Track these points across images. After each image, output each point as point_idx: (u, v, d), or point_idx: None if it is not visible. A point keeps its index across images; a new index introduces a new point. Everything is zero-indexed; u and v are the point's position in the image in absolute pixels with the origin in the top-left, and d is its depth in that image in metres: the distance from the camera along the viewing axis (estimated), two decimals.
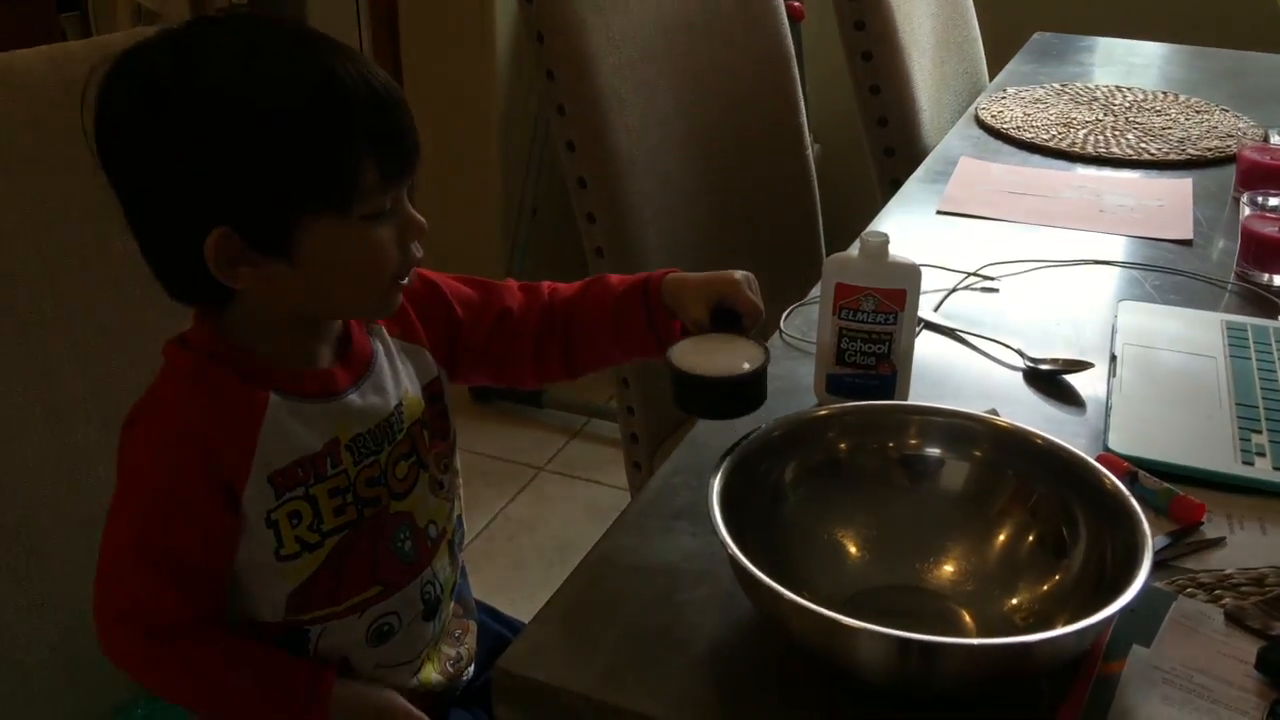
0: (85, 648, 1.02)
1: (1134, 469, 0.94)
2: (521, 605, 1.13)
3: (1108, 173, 1.66)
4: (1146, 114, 1.86)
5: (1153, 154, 1.69)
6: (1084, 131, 1.77)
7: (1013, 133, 1.77)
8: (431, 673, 0.97)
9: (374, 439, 0.90)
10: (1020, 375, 1.12)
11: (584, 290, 1.00)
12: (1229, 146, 1.70)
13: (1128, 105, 1.90)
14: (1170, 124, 1.81)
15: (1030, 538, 0.85)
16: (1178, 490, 0.92)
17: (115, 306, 1.04)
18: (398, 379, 0.92)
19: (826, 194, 1.87)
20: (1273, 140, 1.73)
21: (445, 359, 0.97)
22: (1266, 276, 1.31)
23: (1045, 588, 0.82)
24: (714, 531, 0.76)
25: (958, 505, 0.88)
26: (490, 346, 0.99)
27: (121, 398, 1.04)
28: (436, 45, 2.71)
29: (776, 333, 1.19)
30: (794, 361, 1.14)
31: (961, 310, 1.24)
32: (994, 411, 0.97)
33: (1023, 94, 1.95)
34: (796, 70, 1.80)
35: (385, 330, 0.93)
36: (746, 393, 0.91)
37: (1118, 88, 1.98)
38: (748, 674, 0.77)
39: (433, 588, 0.95)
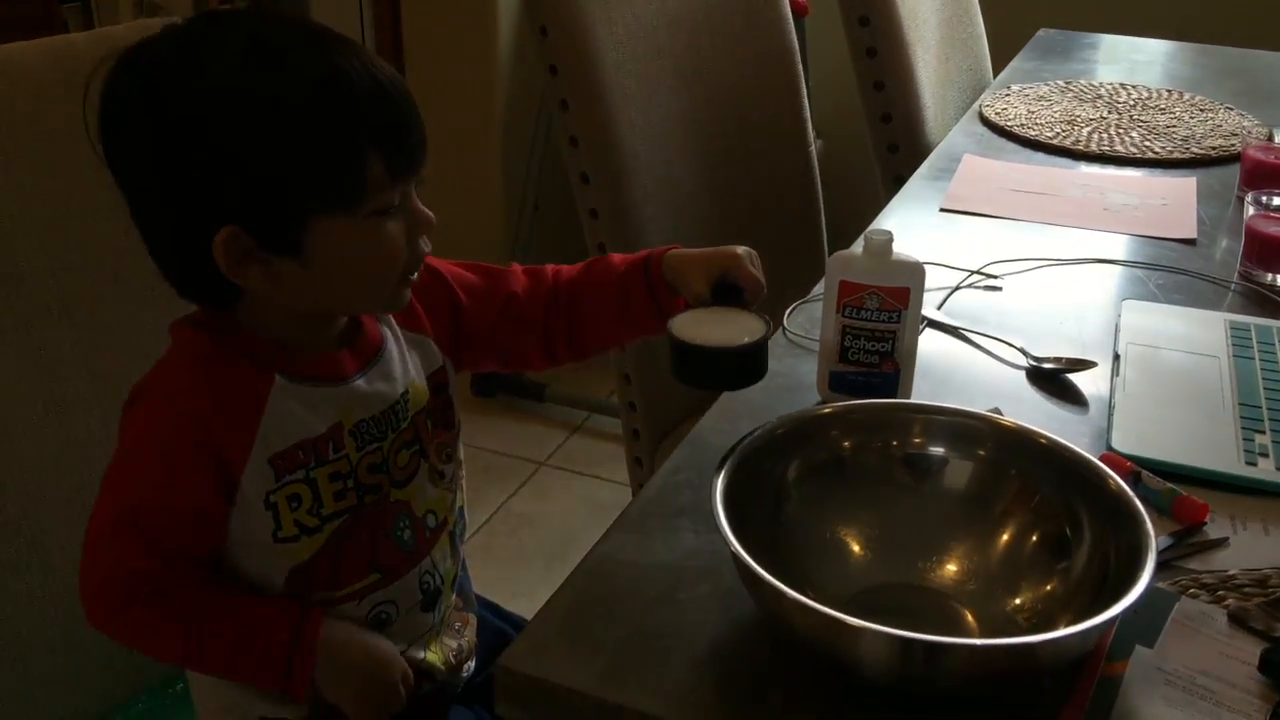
0: (87, 642, 1.03)
1: (1137, 469, 0.94)
2: (522, 600, 1.13)
3: (1111, 171, 1.65)
4: (1151, 112, 1.86)
5: (1157, 152, 1.69)
6: (1088, 129, 1.77)
7: (1017, 130, 1.76)
8: (435, 660, 0.97)
9: (378, 426, 0.90)
10: (1023, 374, 1.12)
11: (587, 270, 1.00)
12: (1233, 145, 1.70)
13: (1132, 103, 1.89)
14: (1174, 122, 1.81)
15: (1033, 537, 0.85)
16: (1180, 490, 0.92)
17: (117, 301, 1.04)
18: (405, 367, 0.92)
19: (829, 190, 1.87)
20: (1277, 139, 1.73)
21: (449, 347, 0.97)
22: (1270, 276, 1.30)
23: (1048, 588, 0.82)
24: (716, 529, 0.76)
25: (961, 504, 0.88)
26: (497, 333, 0.99)
27: (124, 393, 1.03)
28: (439, 39, 2.71)
29: (780, 330, 1.19)
30: (797, 359, 1.14)
31: (964, 308, 1.24)
32: (997, 410, 0.97)
33: (1027, 91, 1.94)
34: (800, 65, 1.80)
35: (392, 318, 0.93)
36: (746, 364, 0.91)
37: (1122, 85, 1.98)
38: (750, 673, 0.77)
39: (432, 578, 0.95)
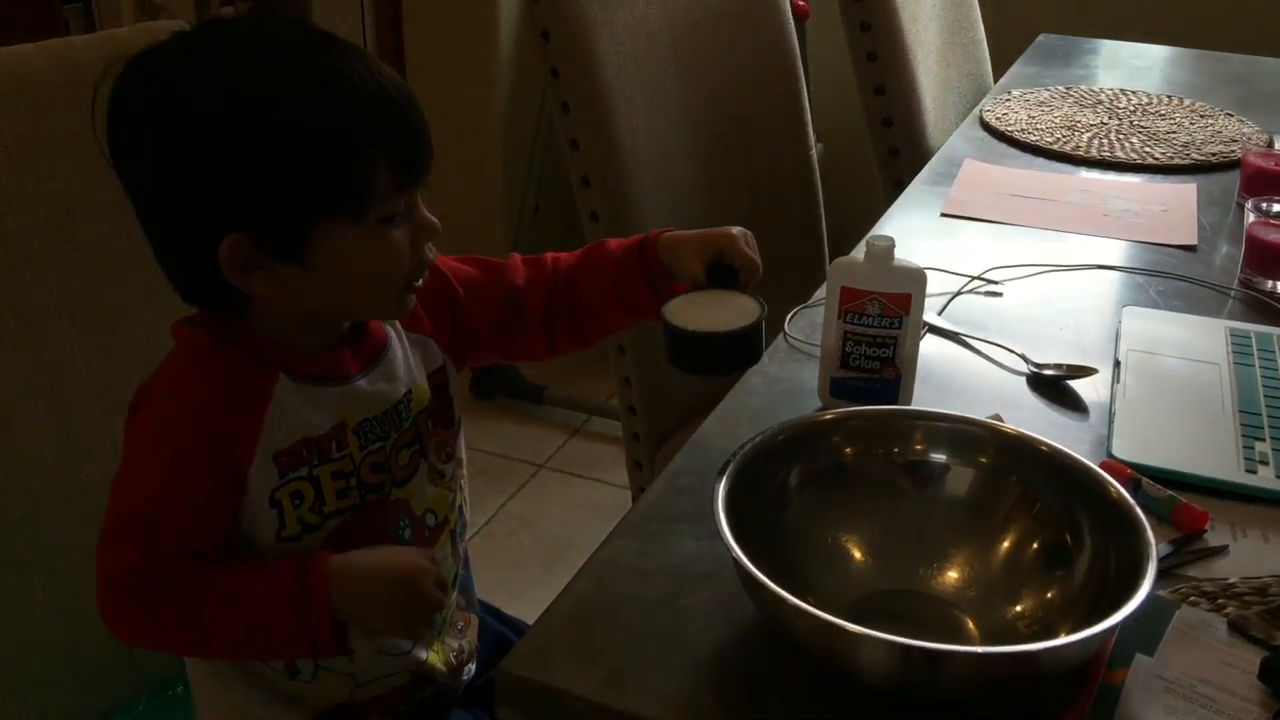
0: (88, 643, 1.03)
1: (1137, 476, 0.94)
2: (521, 603, 1.13)
3: (1112, 176, 1.66)
4: (1151, 118, 1.86)
5: (1157, 158, 1.69)
6: (1088, 135, 1.77)
7: (1017, 135, 1.77)
8: (436, 661, 0.97)
9: (381, 425, 0.90)
10: (1024, 380, 1.12)
11: (584, 257, 1.01)
12: (1233, 152, 1.70)
13: (1132, 109, 1.90)
14: (1175, 128, 1.81)
15: (1034, 545, 0.85)
16: (1180, 498, 0.92)
17: (119, 301, 1.04)
18: (409, 367, 0.93)
19: (829, 194, 1.87)
20: (1278, 146, 1.73)
21: (449, 344, 0.97)
22: (1270, 283, 1.31)
23: (1049, 595, 0.82)
24: (718, 535, 0.76)
25: (962, 511, 0.88)
26: (499, 326, 0.99)
27: (125, 393, 1.03)
28: (440, 43, 2.71)
29: (781, 335, 1.19)
30: (798, 364, 1.14)
31: (965, 314, 1.24)
32: (998, 417, 0.97)
33: (1027, 96, 1.95)
34: (801, 69, 1.80)
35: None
36: (739, 348, 0.91)
37: (1122, 91, 1.98)
38: (751, 678, 0.77)
39: None
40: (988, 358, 1.16)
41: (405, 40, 2.74)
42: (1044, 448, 0.87)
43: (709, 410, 1.07)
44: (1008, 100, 1.92)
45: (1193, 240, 1.44)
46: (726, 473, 0.81)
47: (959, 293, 1.29)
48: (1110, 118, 1.85)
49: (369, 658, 0.92)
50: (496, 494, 2.37)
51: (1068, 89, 1.99)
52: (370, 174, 0.79)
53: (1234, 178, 1.60)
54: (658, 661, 0.77)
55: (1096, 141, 1.75)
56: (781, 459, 0.87)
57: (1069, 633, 0.73)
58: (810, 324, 1.19)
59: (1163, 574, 0.84)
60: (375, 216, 0.81)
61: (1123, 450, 0.99)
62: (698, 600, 0.83)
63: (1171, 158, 1.69)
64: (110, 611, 0.84)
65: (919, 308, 1.02)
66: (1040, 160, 1.70)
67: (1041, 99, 1.93)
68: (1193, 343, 1.18)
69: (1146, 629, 0.78)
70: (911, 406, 1.04)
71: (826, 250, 1.85)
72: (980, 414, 0.94)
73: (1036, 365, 1.13)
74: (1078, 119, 1.84)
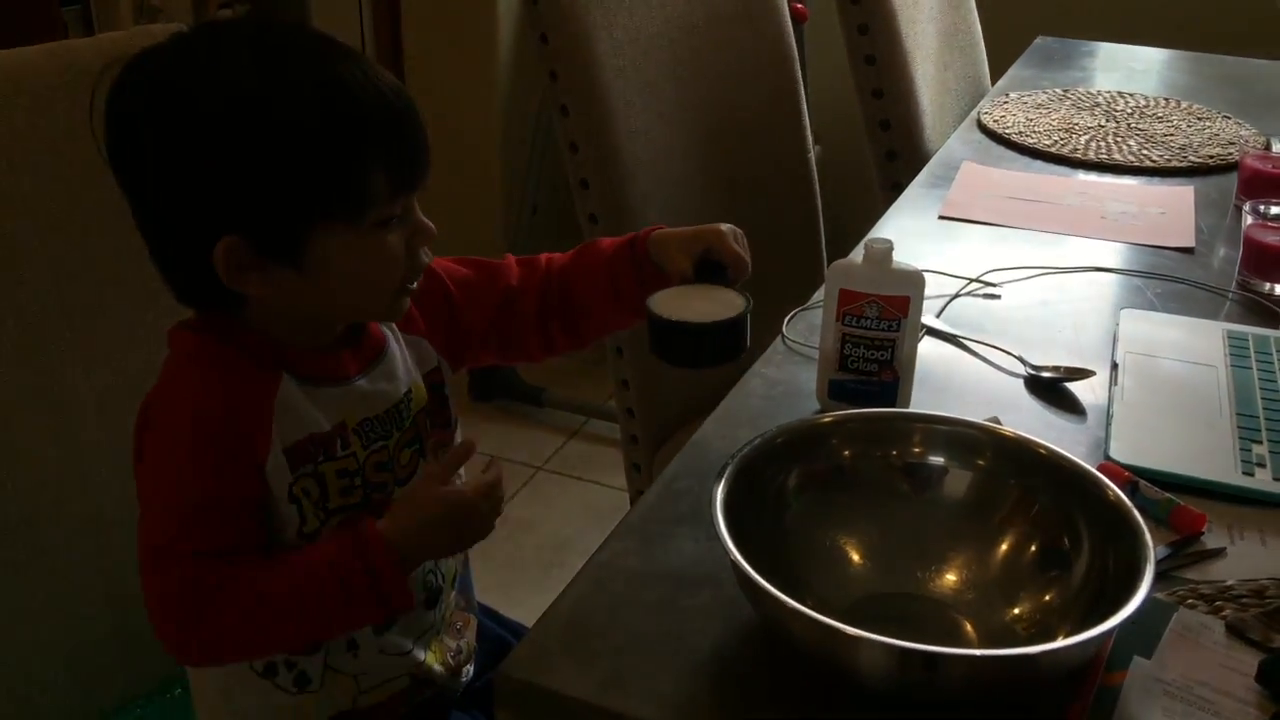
0: (86, 647, 1.03)
1: (1135, 478, 0.94)
2: (519, 606, 1.13)
3: (1109, 179, 1.66)
4: (1148, 120, 1.86)
5: (1154, 161, 1.69)
6: (1085, 137, 1.77)
7: (1014, 138, 1.77)
8: (434, 661, 0.97)
9: (382, 425, 0.90)
10: (1022, 382, 1.12)
11: (577, 256, 1.01)
12: (1231, 154, 1.70)
13: (1129, 111, 1.90)
14: (1172, 131, 1.81)
15: (1032, 547, 0.85)
16: (1178, 500, 0.92)
17: (119, 304, 1.04)
18: (408, 367, 0.93)
19: (827, 196, 1.88)
20: (1275, 148, 1.73)
21: (443, 345, 0.97)
22: (1268, 285, 1.31)
23: (1047, 598, 0.82)
24: (716, 537, 0.76)
25: (960, 514, 0.88)
26: (494, 326, 0.99)
27: (125, 395, 1.04)
28: (439, 44, 2.71)
29: (779, 337, 1.20)
30: (796, 366, 1.14)
31: (963, 316, 1.25)
32: (996, 419, 0.97)
33: (1025, 99, 1.95)
34: (799, 72, 1.80)
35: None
36: (722, 341, 0.91)
37: (1119, 93, 1.98)
38: (750, 680, 0.77)
39: (434, 576, 0.95)
40: (986, 360, 1.16)
41: (404, 43, 2.74)
42: (1042, 450, 0.87)
43: (707, 413, 1.07)
44: (1005, 103, 1.93)
45: (1190, 243, 1.44)
46: (725, 475, 0.81)
47: (957, 295, 1.29)
48: (1108, 120, 1.86)
49: (372, 658, 0.92)
50: None
51: (1065, 91, 1.99)
52: (367, 178, 0.79)
53: (1231, 180, 1.60)
54: (656, 664, 0.77)
55: (1094, 144, 1.75)
56: (780, 461, 0.87)
57: (1067, 635, 0.73)
58: (809, 326, 1.20)
59: (1160, 576, 0.84)
60: (371, 220, 0.81)
61: (1120, 453, 0.99)
62: (696, 603, 0.83)
63: (1169, 160, 1.70)
64: (172, 635, 0.83)
65: (917, 310, 1.02)
66: (1038, 163, 1.71)
67: (1039, 101, 1.94)
68: (1190, 345, 1.18)
69: (1144, 631, 0.78)
70: (910, 409, 1.04)
71: (825, 252, 1.85)
72: (978, 416, 0.94)
73: (1034, 368, 1.13)
74: (1075, 121, 1.85)
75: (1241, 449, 1.00)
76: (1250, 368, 1.13)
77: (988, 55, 2.30)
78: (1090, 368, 1.11)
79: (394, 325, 0.93)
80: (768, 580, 0.73)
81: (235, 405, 0.83)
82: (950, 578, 0.86)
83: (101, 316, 1.03)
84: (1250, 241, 1.33)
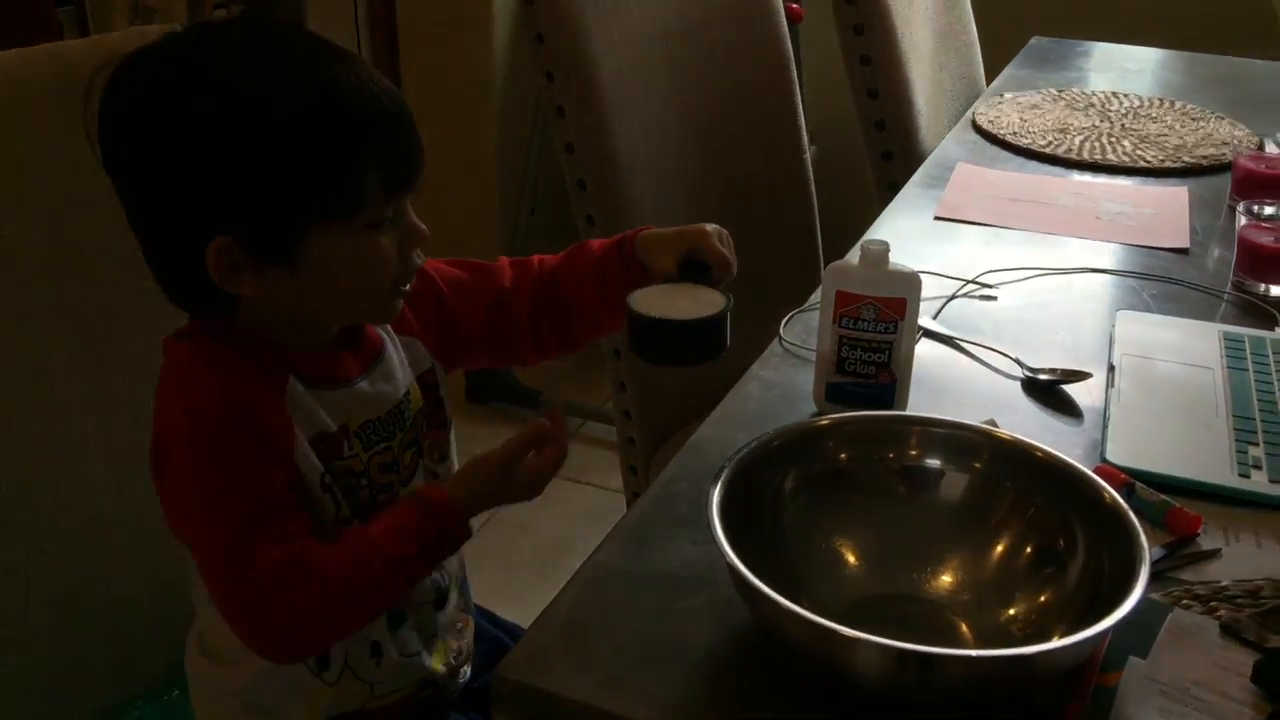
0: (82, 647, 1.03)
1: (1131, 480, 0.94)
2: (515, 607, 1.13)
3: (1104, 180, 1.66)
4: (1143, 120, 1.86)
5: (1149, 161, 1.70)
6: (1080, 138, 1.78)
7: (1009, 138, 1.77)
8: (437, 663, 0.97)
9: (385, 426, 0.90)
10: (1018, 384, 1.12)
11: (567, 258, 1.01)
12: (1224, 155, 1.70)
13: (1124, 111, 1.90)
14: (1166, 131, 1.82)
15: (1028, 549, 0.85)
16: (1174, 502, 0.92)
17: (114, 304, 1.04)
18: (404, 367, 0.93)
19: (823, 197, 1.88)
20: (1269, 149, 1.74)
21: (437, 346, 0.97)
22: (1263, 287, 1.31)
23: (1042, 599, 0.82)
24: (713, 540, 0.76)
25: (956, 516, 0.88)
26: (487, 329, 0.99)
27: (122, 395, 1.04)
28: (434, 45, 2.71)
29: (776, 339, 1.20)
30: (793, 369, 1.14)
31: (959, 318, 1.25)
32: (992, 422, 0.98)
33: (1019, 99, 1.95)
34: (794, 72, 1.80)
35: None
36: (697, 339, 0.91)
37: (1114, 94, 1.99)
38: (746, 682, 0.77)
39: (441, 576, 0.96)
40: (982, 362, 1.17)
41: (400, 43, 2.74)
42: (1038, 453, 0.87)
43: (704, 415, 1.08)
44: (1000, 103, 1.93)
45: (1185, 243, 1.44)
46: (722, 478, 0.82)
47: (953, 297, 1.29)
48: (1102, 121, 1.86)
49: (392, 667, 0.93)
50: None
51: (1060, 92, 2.00)
52: (360, 179, 0.79)
53: (1225, 181, 1.60)
54: (653, 666, 0.77)
55: (1088, 144, 1.75)
56: (777, 464, 0.87)
57: (1063, 636, 0.73)
58: (805, 328, 1.20)
59: (1156, 577, 0.84)
60: (364, 221, 0.81)
61: (1116, 455, 0.99)
62: (693, 605, 0.83)
63: (1163, 161, 1.70)
64: (272, 634, 0.82)
65: (914, 312, 1.02)
66: (1032, 163, 1.71)
67: (1034, 102, 1.94)
68: (1186, 347, 1.18)
69: (1140, 632, 0.79)
70: (906, 411, 1.04)
71: (821, 254, 1.85)
72: (975, 419, 0.94)
73: (1031, 370, 1.13)
74: (1070, 122, 1.85)
75: (1237, 451, 1.00)
76: (1246, 370, 1.13)
77: (983, 55, 2.30)
78: (1086, 370, 1.12)
79: (389, 326, 0.93)
80: (764, 582, 0.73)
81: (252, 398, 0.82)
82: (946, 579, 0.86)
83: (98, 317, 1.03)
84: (1244, 242, 1.33)
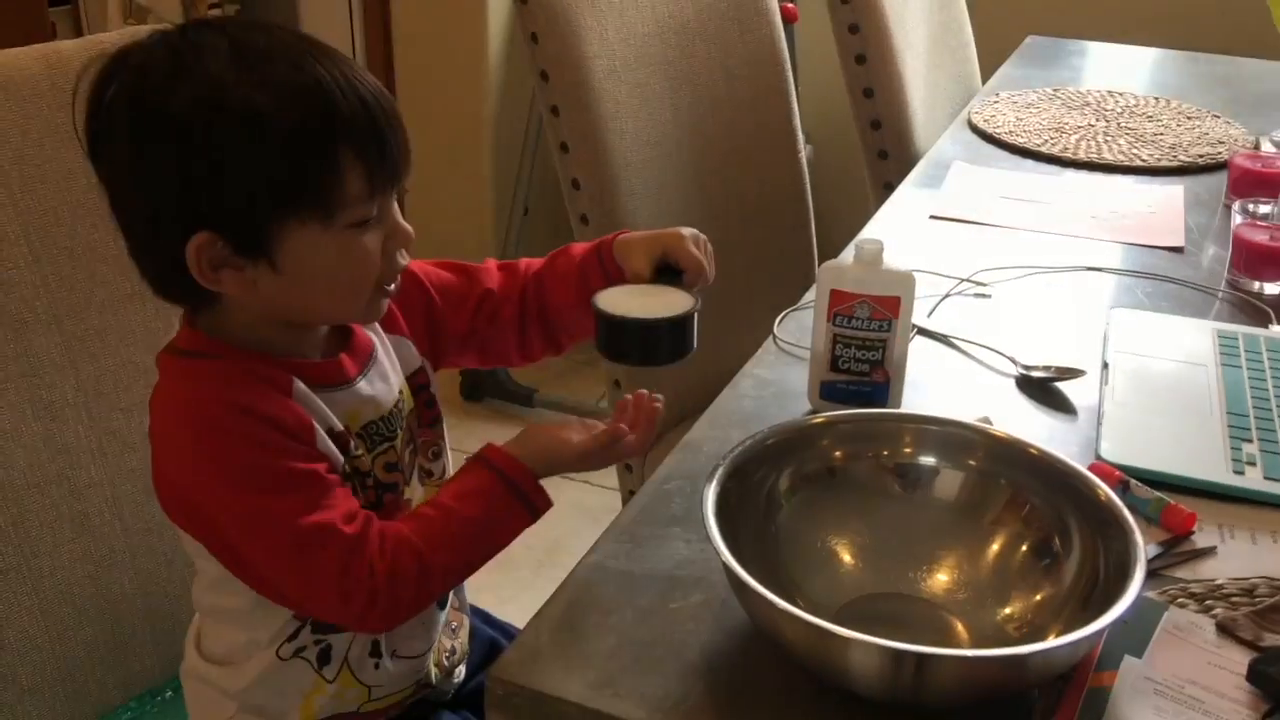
0: (75, 649, 1.02)
1: (1125, 478, 0.94)
2: (509, 606, 1.13)
3: (1099, 178, 1.66)
4: (1138, 119, 1.86)
5: (1144, 160, 1.70)
6: (1076, 137, 1.78)
7: (1005, 137, 1.77)
8: (432, 663, 0.97)
9: (387, 425, 0.90)
10: (1013, 382, 1.12)
11: (550, 263, 1.01)
12: (1220, 153, 1.71)
13: (1119, 110, 1.90)
14: (1162, 130, 1.82)
15: (1023, 547, 0.85)
16: (1169, 499, 0.92)
17: (106, 306, 1.04)
18: (395, 367, 0.93)
19: (819, 196, 1.88)
20: (1264, 147, 1.74)
21: (426, 347, 0.97)
22: (1257, 285, 1.31)
23: (1038, 597, 0.82)
24: (708, 539, 0.76)
25: (952, 514, 0.88)
26: (474, 331, 1.00)
27: (114, 396, 1.04)
28: (429, 45, 2.71)
29: (770, 338, 1.20)
30: (787, 367, 1.14)
31: (954, 316, 1.25)
32: (987, 419, 0.98)
33: (1015, 98, 1.95)
34: (790, 72, 1.80)
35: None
36: (661, 338, 0.91)
37: (1109, 93, 1.99)
38: (742, 682, 0.77)
39: None
40: (977, 360, 1.17)
41: (394, 43, 2.73)
42: (1033, 450, 0.87)
43: (699, 414, 1.07)
44: (995, 102, 1.93)
45: (1180, 242, 1.44)
46: (716, 476, 0.81)
47: (948, 295, 1.29)
48: (1098, 119, 1.86)
49: (390, 671, 0.93)
50: None
51: (1055, 91, 2.00)
52: (340, 176, 0.79)
53: (1221, 179, 1.60)
54: (648, 666, 0.77)
55: (1084, 143, 1.75)
56: (771, 463, 0.87)
57: (1058, 635, 0.73)
58: (800, 327, 1.20)
59: (1151, 576, 0.84)
60: (346, 220, 0.81)
61: (1111, 452, 0.99)
62: (688, 604, 0.83)
63: (1159, 159, 1.70)
64: (358, 603, 0.82)
65: (908, 311, 1.02)
66: (1028, 162, 1.71)
67: (1029, 101, 1.94)
68: (1180, 344, 1.18)
69: (1135, 631, 0.78)
70: (901, 409, 1.04)
71: (816, 253, 1.85)
72: (969, 416, 0.94)
73: (1025, 367, 1.13)
74: (1065, 121, 1.85)
75: (1232, 448, 1.00)
76: (1240, 367, 1.13)
77: (978, 55, 2.30)
78: (1081, 367, 1.12)
79: (377, 326, 0.93)
80: (759, 581, 0.73)
81: (259, 398, 0.82)
82: (942, 578, 0.86)
83: (89, 317, 1.03)
84: (1240, 241, 1.33)
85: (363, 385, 0.89)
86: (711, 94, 1.64)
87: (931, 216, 1.51)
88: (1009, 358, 1.15)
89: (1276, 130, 1.80)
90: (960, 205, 1.54)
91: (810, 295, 1.22)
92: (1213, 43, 2.32)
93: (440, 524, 0.85)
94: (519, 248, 2.74)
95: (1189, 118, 1.87)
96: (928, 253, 1.38)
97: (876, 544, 0.88)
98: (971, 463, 0.89)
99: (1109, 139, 1.77)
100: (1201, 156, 1.71)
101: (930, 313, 1.25)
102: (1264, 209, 1.38)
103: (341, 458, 0.85)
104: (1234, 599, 0.83)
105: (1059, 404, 1.09)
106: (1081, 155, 1.71)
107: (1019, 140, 1.76)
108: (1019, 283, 1.33)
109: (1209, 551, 0.89)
